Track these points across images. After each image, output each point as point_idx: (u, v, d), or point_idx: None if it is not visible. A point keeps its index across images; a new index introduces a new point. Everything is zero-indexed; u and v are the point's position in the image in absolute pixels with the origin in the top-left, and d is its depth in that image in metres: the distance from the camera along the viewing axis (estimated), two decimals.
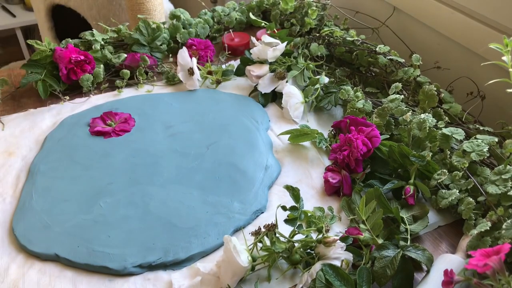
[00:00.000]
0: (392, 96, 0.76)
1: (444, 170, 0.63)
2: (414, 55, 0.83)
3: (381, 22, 1.01)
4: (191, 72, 0.89)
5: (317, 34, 0.98)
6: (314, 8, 1.01)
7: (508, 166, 0.59)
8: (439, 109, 0.75)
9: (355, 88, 0.82)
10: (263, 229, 0.55)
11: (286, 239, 0.57)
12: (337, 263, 0.53)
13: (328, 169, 0.70)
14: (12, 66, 2.31)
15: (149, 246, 0.60)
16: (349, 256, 0.55)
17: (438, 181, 0.63)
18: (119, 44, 1.00)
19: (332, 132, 0.78)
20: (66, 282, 0.57)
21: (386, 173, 0.68)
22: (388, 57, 0.86)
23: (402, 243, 0.56)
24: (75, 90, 0.90)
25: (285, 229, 0.59)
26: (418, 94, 0.78)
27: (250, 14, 1.09)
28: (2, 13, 2.53)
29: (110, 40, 1.00)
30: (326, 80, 0.88)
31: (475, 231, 0.57)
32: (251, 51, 0.92)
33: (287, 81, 0.88)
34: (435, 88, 0.75)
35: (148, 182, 0.69)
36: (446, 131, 0.67)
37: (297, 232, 0.59)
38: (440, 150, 0.69)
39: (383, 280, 0.52)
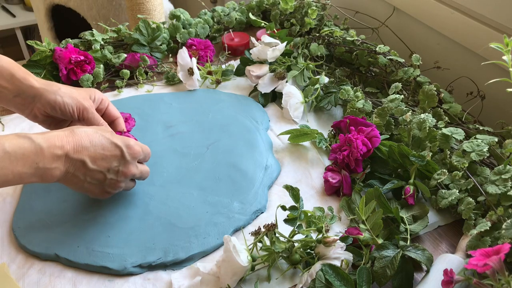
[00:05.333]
0: (392, 96, 0.76)
1: (444, 170, 0.63)
2: (414, 55, 0.83)
3: (381, 22, 1.01)
4: (191, 72, 0.89)
5: (317, 34, 0.98)
6: (314, 8, 1.01)
7: (508, 166, 0.59)
8: (439, 109, 0.75)
9: (355, 88, 0.82)
10: (263, 229, 0.55)
11: (286, 239, 0.57)
12: (337, 263, 0.53)
13: (328, 169, 0.70)
14: None
15: (149, 246, 0.60)
16: (349, 256, 0.55)
17: (438, 181, 0.63)
18: (119, 44, 1.00)
19: (332, 132, 0.78)
20: (66, 282, 0.57)
21: (386, 173, 0.68)
22: (388, 57, 0.86)
23: (402, 243, 0.56)
24: None
25: (285, 229, 0.59)
26: (418, 94, 0.78)
27: (250, 14, 1.09)
28: (2, 13, 2.53)
29: (110, 40, 1.00)
30: (326, 80, 0.88)
31: (475, 231, 0.57)
32: (251, 51, 0.92)
33: (287, 81, 0.88)
34: (435, 88, 0.75)
35: (148, 182, 0.69)
36: (446, 131, 0.67)
37: (297, 232, 0.59)
38: (440, 150, 0.69)
39: (383, 280, 0.52)
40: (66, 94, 0.63)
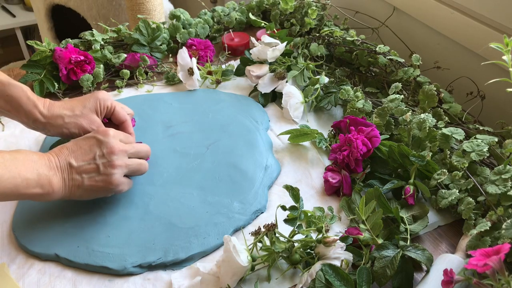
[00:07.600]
0: (392, 96, 0.76)
1: (444, 170, 0.63)
2: (414, 55, 0.83)
3: (381, 22, 1.01)
4: (191, 72, 0.89)
5: (317, 34, 0.98)
6: (314, 8, 1.01)
7: (508, 166, 0.59)
8: (439, 109, 0.75)
9: (355, 88, 0.82)
10: (263, 229, 0.55)
11: (286, 239, 0.57)
12: (337, 263, 0.53)
13: (328, 169, 0.70)
14: (12, 66, 2.31)
15: (149, 246, 0.60)
16: (349, 256, 0.55)
17: (438, 181, 0.63)
18: (119, 44, 1.00)
19: (332, 132, 0.78)
20: (66, 282, 0.57)
21: (386, 173, 0.68)
22: (388, 57, 0.86)
23: (402, 243, 0.56)
24: (75, 90, 0.91)
25: (285, 229, 0.59)
26: (418, 94, 0.78)
27: (250, 14, 1.09)
28: (2, 13, 2.53)
29: (110, 40, 1.00)
30: (326, 80, 0.88)
31: (474, 231, 0.57)
32: (251, 51, 0.92)
33: (287, 81, 0.88)
34: (435, 88, 0.75)
35: (148, 182, 0.69)
36: (446, 131, 0.67)
37: (297, 232, 0.59)
38: (440, 150, 0.69)
39: (383, 280, 0.52)
40: (71, 125, 0.66)
